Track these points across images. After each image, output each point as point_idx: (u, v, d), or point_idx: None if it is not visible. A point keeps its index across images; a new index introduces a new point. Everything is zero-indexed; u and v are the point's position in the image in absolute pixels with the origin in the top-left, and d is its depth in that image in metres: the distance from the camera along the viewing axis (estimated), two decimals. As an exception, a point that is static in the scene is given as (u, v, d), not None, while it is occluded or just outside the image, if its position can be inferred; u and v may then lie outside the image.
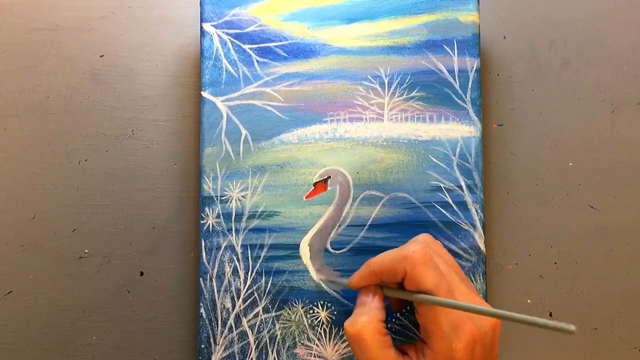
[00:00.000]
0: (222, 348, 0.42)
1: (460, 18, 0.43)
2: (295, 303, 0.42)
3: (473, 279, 0.42)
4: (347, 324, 0.35)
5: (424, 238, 0.37)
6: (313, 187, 0.43)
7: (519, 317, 0.30)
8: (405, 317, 0.42)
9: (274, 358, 0.42)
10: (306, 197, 0.43)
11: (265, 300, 0.42)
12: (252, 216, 0.42)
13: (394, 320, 0.42)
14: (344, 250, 0.42)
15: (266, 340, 0.42)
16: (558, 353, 0.45)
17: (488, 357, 0.34)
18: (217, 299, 0.42)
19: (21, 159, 0.46)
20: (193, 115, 0.46)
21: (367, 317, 0.34)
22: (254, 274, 0.42)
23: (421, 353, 0.34)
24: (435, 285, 0.33)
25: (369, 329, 0.34)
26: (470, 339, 0.33)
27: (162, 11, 0.47)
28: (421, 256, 0.34)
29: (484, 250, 0.42)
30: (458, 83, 0.43)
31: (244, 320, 0.42)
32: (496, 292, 0.45)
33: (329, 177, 0.43)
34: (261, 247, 0.42)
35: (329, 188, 0.43)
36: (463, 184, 0.42)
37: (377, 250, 0.42)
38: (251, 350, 0.42)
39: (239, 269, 0.42)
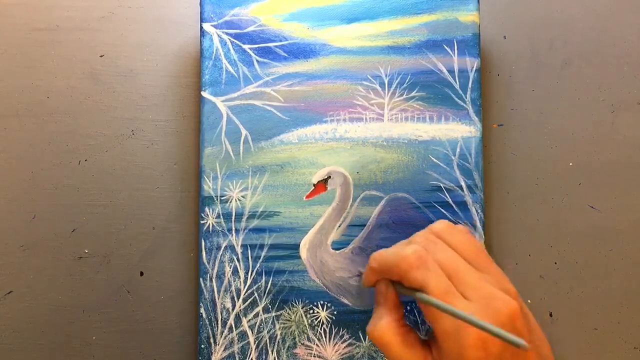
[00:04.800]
0: (222, 348, 0.42)
1: (460, 18, 0.43)
2: (295, 303, 0.42)
3: (473, 279, 0.41)
4: (369, 328, 0.35)
5: (436, 228, 0.36)
6: (313, 187, 0.43)
7: (481, 324, 0.30)
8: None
9: (274, 358, 0.42)
10: (306, 197, 0.43)
11: (265, 300, 0.42)
12: (252, 216, 0.42)
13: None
14: (344, 250, 0.42)
15: (266, 340, 0.42)
16: (558, 353, 0.45)
17: (513, 350, 0.31)
18: (217, 299, 0.42)
19: (21, 159, 0.46)
20: (193, 115, 0.46)
21: (384, 320, 0.35)
22: (254, 274, 0.42)
23: (437, 350, 0.34)
24: (429, 289, 0.33)
25: (388, 331, 0.34)
26: (477, 337, 0.31)
27: (162, 11, 0.47)
28: (414, 260, 0.33)
29: (484, 250, 0.42)
30: (458, 83, 0.43)
31: (244, 320, 0.42)
32: (496, 292, 0.45)
33: (329, 177, 0.43)
34: (261, 247, 0.42)
35: (329, 188, 0.43)
36: (463, 184, 0.42)
37: (377, 250, 0.42)
38: (251, 350, 0.42)
39: (239, 269, 0.42)
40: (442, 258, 0.34)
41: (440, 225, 0.36)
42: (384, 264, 0.35)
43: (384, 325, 0.34)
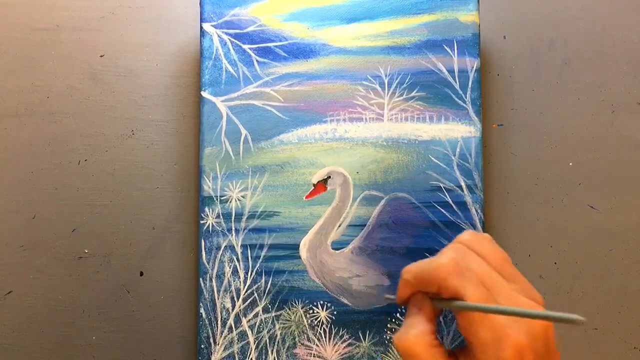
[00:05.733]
0: (222, 348, 0.42)
1: (460, 18, 0.43)
2: (295, 303, 0.42)
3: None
4: (397, 338, 0.34)
5: (464, 239, 0.36)
6: (313, 187, 0.43)
7: (536, 313, 0.30)
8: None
9: (274, 358, 0.42)
10: (306, 197, 0.43)
11: (265, 300, 0.42)
12: (252, 216, 0.42)
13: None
14: (344, 250, 0.42)
15: (266, 340, 0.42)
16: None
17: (544, 359, 0.32)
18: (217, 299, 0.42)
19: (21, 159, 0.46)
20: (193, 115, 0.46)
21: (416, 330, 0.33)
22: (253, 274, 0.42)
23: (469, 358, 0.33)
24: (467, 296, 0.32)
25: (419, 343, 0.33)
26: (516, 349, 0.31)
27: (162, 11, 0.47)
28: (452, 267, 0.33)
29: (484, 250, 0.42)
30: (458, 83, 0.43)
31: (244, 320, 0.42)
32: (496, 292, 0.45)
33: (329, 177, 0.43)
34: (261, 247, 0.42)
35: (329, 188, 0.43)
36: (463, 184, 0.42)
37: (377, 250, 0.42)
38: (251, 350, 0.42)
39: (238, 269, 0.42)
40: (475, 268, 0.34)
41: (468, 235, 0.36)
42: (420, 274, 0.34)
43: (416, 334, 0.33)
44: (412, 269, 0.35)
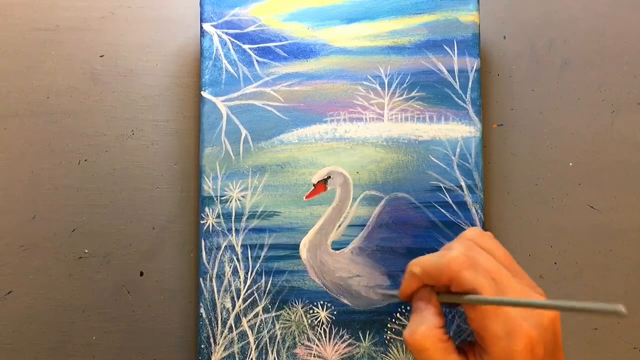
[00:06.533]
0: (222, 348, 0.42)
1: (460, 18, 0.43)
2: (295, 303, 0.42)
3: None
4: (407, 333, 0.34)
5: (469, 235, 0.36)
6: (313, 187, 0.43)
7: (569, 305, 0.29)
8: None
9: (274, 358, 0.42)
10: (306, 197, 0.43)
11: (265, 300, 0.42)
12: (252, 216, 0.42)
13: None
14: (344, 250, 0.42)
15: (266, 340, 0.42)
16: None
17: (553, 351, 0.32)
18: (217, 299, 0.42)
19: (21, 159, 0.46)
20: (193, 115, 0.46)
21: (426, 325, 0.33)
22: (254, 274, 0.42)
23: (479, 356, 0.33)
24: (481, 289, 0.32)
25: (430, 337, 0.33)
26: (527, 341, 0.31)
27: (162, 11, 0.47)
28: (464, 261, 0.33)
29: (484, 250, 0.42)
30: (458, 83, 0.43)
31: (244, 320, 0.42)
32: (496, 292, 0.45)
33: (329, 177, 0.43)
34: (261, 247, 0.42)
35: (329, 188, 0.43)
36: (463, 184, 0.42)
37: (377, 250, 0.42)
38: (251, 350, 0.42)
39: (239, 269, 0.42)
40: (484, 262, 0.34)
41: (473, 232, 0.36)
42: (429, 268, 0.34)
43: (426, 330, 0.33)
44: (421, 263, 0.35)
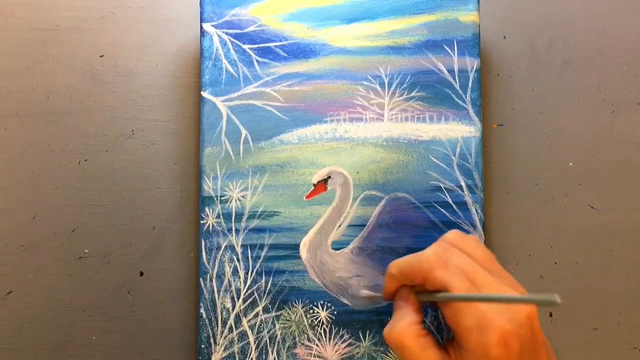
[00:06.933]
0: (222, 348, 0.42)
1: (460, 18, 0.43)
2: (295, 303, 0.42)
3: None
4: (386, 331, 0.35)
5: (448, 238, 0.37)
6: (313, 187, 0.43)
7: (517, 298, 0.31)
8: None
9: (274, 358, 0.42)
10: (306, 197, 0.43)
11: (265, 300, 0.42)
12: (252, 216, 0.42)
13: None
14: (344, 250, 0.42)
15: (266, 340, 0.42)
16: (558, 353, 0.45)
17: (531, 348, 0.33)
18: (217, 299, 0.42)
19: (21, 159, 0.46)
20: (193, 115, 0.46)
21: (404, 322, 0.35)
22: (254, 274, 0.42)
23: (458, 351, 0.34)
24: (452, 287, 0.33)
25: (407, 333, 0.34)
26: (500, 335, 0.32)
27: (162, 11, 0.47)
28: (435, 260, 0.34)
29: (484, 250, 0.42)
30: (458, 83, 0.43)
31: (244, 320, 0.42)
32: (496, 292, 0.45)
33: (329, 177, 0.43)
34: (261, 247, 0.42)
35: (329, 188, 0.43)
36: (463, 184, 0.42)
37: (377, 250, 0.42)
38: (251, 350, 0.42)
39: (239, 269, 0.42)
40: (458, 262, 0.35)
41: (452, 234, 0.37)
42: (405, 268, 0.36)
43: (403, 326, 0.35)
44: (397, 264, 0.36)
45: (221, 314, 0.42)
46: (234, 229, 0.42)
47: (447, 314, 0.34)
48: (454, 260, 0.35)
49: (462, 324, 0.33)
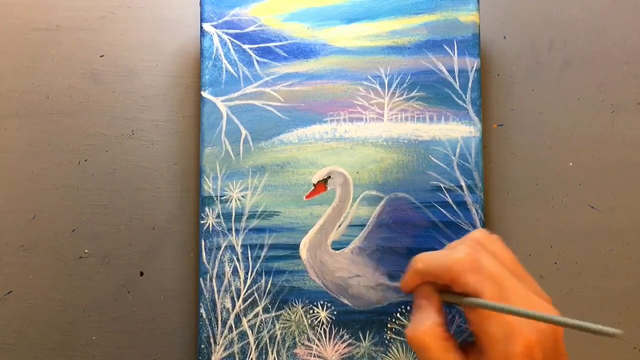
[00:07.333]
0: (222, 348, 0.42)
1: (460, 18, 0.43)
2: (295, 303, 0.42)
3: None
4: (410, 331, 0.34)
5: (475, 237, 0.36)
6: (313, 187, 0.43)
7: (564, 321, 0.30)
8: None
9: (274, 358, 0.42)
10: (306, 197, 0.43)
11: (265, 300, 0.42)
12: (252, 216, 0.42)
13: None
14: (344, 250, 0.42)
15: (266, 340, 0.42)
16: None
17: (553, 359, 0.32)
18: (217, 299, 0.42)
19: (21, 159, 0.46)
20: (193, 115, 0.46)
21: (428, 322, 0.34)
22: (254, 274, 0.42)
23: (478, 357, 0.33)
24: (483, 294, 0.32)
25: (431, 335, 0.33)
26: (526, 344, 0.31)
27: (162, 11, 0.47)
28: (468, 263, 0.33)
29: (484, 250, 0.42)
30: (458, 83, 0.43)
31: (244, 320, 0.42)
32: (496, 292, 0.45)
33: (329, 177, 0.43)
34: (261, 247, 0.42)
35: (329, 188, 0.43)
36: (463, 184, 0.42)
37: (377, 250, 0.42)
38: (251, 350, 0.42)
39: (239, 269, 0.42)
40: (489, 266, 0.33)
41: (479, 234, 0.36)
42: (433, 266, 0.34)
43: (428, 327, 0.33)
44: (425, 259, 0.35)
45: (221, 314, 0.42)
46: (234, 229, 0.42)
47: (472, 319, 0.33)
48: (485, 264, 0.33)
49: (488, 331, 0.32)
